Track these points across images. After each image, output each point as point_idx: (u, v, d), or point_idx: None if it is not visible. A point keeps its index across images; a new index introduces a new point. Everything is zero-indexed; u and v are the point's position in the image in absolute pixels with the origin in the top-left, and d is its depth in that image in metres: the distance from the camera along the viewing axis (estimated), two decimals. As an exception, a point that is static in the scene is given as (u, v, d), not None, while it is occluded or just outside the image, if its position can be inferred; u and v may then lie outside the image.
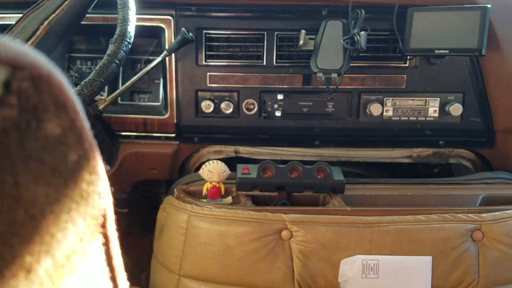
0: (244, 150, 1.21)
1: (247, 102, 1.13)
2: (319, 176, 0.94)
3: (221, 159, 0.99)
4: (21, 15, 0.91)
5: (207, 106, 1.12)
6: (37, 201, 0.13)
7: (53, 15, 0.89)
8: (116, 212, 0.21)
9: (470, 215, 0.87)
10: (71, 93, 0.15)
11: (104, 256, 0.18)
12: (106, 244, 0.18)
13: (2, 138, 0.12)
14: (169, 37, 1.09)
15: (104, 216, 0.18)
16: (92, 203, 0.16)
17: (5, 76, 0.13)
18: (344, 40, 1.01)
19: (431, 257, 0.84)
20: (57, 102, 0.14)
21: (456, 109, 1.08)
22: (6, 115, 0.13)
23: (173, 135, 1.16)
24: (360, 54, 1.04)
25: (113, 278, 0.20)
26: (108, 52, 0.81)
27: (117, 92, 1.03)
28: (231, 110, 1.12)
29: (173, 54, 1.08)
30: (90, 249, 0.17)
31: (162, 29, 1.09)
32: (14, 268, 0.13)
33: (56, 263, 0.14)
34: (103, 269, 0.18)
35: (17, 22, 0.91)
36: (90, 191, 0.16)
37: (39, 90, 0.14)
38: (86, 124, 0.16)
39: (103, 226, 0.18)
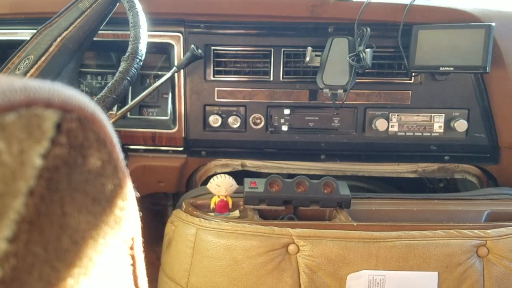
0: (251, 164, 1.22)
1: (254, 117, 1.14)
2: (325, 191, 0.95)
3: (228, 173, 1.00)
4: (34, 31, 0.93)
5: (214, 121, 1.13)
6: (79, 228, 0.15)
7: (66, 32, 0.91)
8: None
9: (475, 231, 0.87)
10: (110, 128, 0.16)
11: (131, 276, 0.20)
12: (133, 264, 0.20)
13: (54, 174, 0.14)
14: (178, 53, 1.11)
15: (132, 239, 0.19)
16: (124, 227, 0.18)
17: (57, 119, 0.14)
18: (350, 57, 1.02)
19: (437, 272, 0.85)
20: (98, 138, 0.16)
21: (461, 125, 1.09)
22: (57, 153, 0.14)
23: (181, 148, 1.17)
24: (366, 71, 1.06)
25: None
26: (120, 69, 0.82)
27: (126, 106, 1.05)
28: (238, 124, 1.14)
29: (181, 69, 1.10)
30: (121, 270, 0.18)
31: (171, 45, 1.11)
32: None
33: (93, 283, 0.16)
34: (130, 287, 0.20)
35: (31, 38, 0.93)
36: (122, 216, 0.17)
37: (84, 129, 0.15)
38: (120, 155, 0.17)
39: (131, 248, 0.19)
